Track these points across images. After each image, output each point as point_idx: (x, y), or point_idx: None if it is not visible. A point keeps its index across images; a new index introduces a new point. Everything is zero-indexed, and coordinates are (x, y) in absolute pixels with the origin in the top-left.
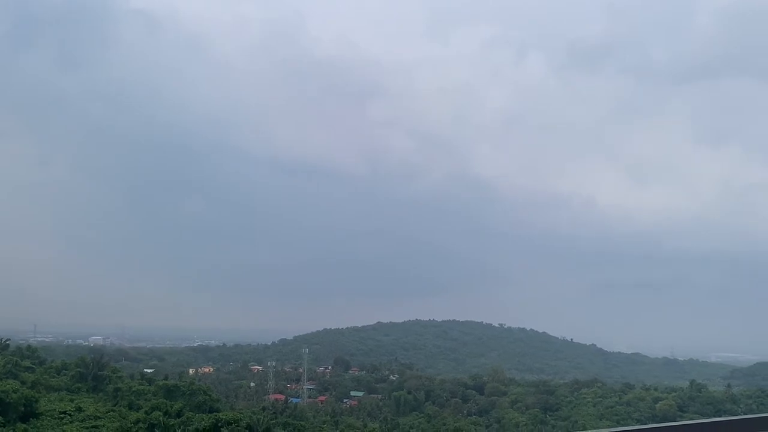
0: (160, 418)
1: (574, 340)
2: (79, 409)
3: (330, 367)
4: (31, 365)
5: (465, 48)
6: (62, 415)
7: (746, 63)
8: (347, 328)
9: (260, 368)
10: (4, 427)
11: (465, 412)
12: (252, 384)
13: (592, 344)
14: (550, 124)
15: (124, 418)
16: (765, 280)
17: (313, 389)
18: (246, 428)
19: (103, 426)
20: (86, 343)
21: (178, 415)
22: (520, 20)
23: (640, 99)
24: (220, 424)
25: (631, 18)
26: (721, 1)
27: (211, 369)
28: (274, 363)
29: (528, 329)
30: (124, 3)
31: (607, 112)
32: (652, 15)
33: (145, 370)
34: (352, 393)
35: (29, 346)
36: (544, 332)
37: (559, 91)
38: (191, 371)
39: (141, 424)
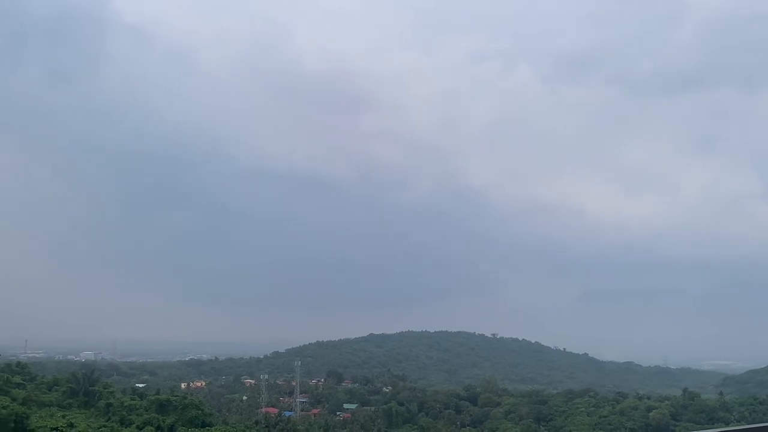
0: None
1: (566, 350)
2: (71, 425)
3: (323, 380)
4: (21, 381)
5: (452, 58)
6: None
7: (730, 72)
8: (339, 340)
9: (253, 381)
10: None
11: (458, 423)
12: (244, 397)
13: (585, 353)
14: (538, 133)
15: None
16: (755, 287)
17: (306, 402)
18: None
19: None
20: (77, 359)
21: (171, 429)
22: (506, 30)
23: (627, 108)
24: None
25: (617, 29)
26: (704, 11)
27: (204, 383)
28: (266, 376)
29: (521, 339)
30: (116, 18)
31: (594, 122)
32: (637, 26)
33: (137, 384)
34: (345, 406)
35: (19, 362)
36: (536, 342)
37: (547, 101)
38: (183, 385)
39: None
